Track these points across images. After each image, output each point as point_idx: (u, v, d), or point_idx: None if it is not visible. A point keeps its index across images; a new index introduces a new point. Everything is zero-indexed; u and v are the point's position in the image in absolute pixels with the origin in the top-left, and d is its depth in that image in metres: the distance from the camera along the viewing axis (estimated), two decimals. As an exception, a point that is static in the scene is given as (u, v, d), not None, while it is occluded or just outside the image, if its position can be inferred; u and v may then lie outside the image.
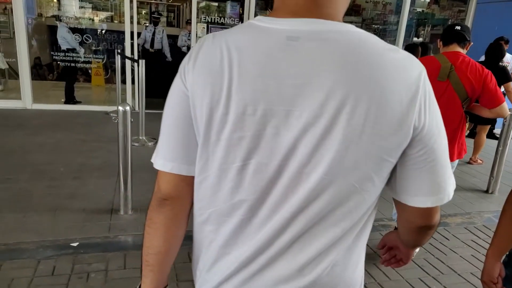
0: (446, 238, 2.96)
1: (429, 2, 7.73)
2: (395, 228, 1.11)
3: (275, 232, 0.66)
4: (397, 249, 0.95)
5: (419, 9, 7.99)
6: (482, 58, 4.55)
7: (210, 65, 0.65)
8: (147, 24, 8.05)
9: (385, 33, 7.76)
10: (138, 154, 4.04)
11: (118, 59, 5.49)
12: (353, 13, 9.69)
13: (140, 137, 4.55)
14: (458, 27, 2.38)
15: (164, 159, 0.72)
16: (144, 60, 4.44)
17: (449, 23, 7.67)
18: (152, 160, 0.74)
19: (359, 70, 0.60)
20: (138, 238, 2.56)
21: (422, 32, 8.39)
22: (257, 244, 0.68)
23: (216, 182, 0.68)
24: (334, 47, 0.61)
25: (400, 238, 0.89)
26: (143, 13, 14.72)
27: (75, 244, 2.41)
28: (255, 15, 6.16)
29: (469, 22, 7.04)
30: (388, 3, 9.34)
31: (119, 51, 5.46)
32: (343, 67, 0.60)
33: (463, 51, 2.35)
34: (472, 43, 2.42)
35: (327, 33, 0.62)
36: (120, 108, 2.64)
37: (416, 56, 4.10)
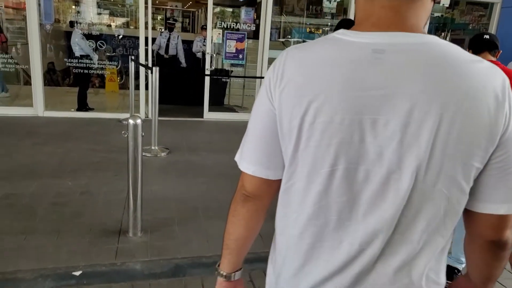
0: None
1: (447, 7, 7.44)
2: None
3: (367, 235, 0.68)
4: None
5: (437, 14, 7.74)
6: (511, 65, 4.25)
7: (297, 78, 0.69)
8: (162, 30, 7.91)
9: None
10: (150, 166, 3.86)
11: (131, 66, 5.33)
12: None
13: (153, 147, 4.34)
14: (487, 36, 2.45)
15: (248, 163, 0.79)
16: (158, 68, 4.24)
17: (470, 27, 7.47)
18: (236, 160, 0.82)
19: (445, 80, 0.61)
20: (147, 266, 2.33)
21: (442, 37, 8.13)
22: (350, 248, 0.70)
23: (305, 187, 0.72)
24: (419, 58, 0.63)
25: (470, 277, 0.83)
26: (158, 18, 14.72)
27: (77, 273, 2.19)
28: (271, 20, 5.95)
29: (493, 27, 6.73)
30: None
31: (133, 57, 5.29)
32: (428, 77, 0.62)
33: (494, 59, 2.32)
34: (501, 51, 2.40)
35: (411, 45, 0.64)
36: (131, 121, 2.42)
37: None
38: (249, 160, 0.79)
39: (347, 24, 3.05)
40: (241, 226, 0.86)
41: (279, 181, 0.79)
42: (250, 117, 0.79)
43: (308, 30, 10.44)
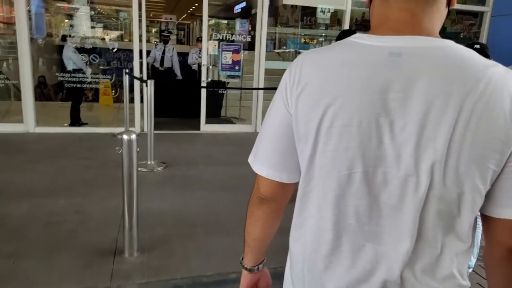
0: None
1: None
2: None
3: (389, 239, 0.68)
4: None
5: None
6: None
7: (314, 82, 0.70)
8: (157, 43, 7.86)
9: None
10: (146, 181, 3.73)
11: (126, 79, 5.24)
12: (363, 28, 9.61)
13: (149, 162, 4.22)
14: (478, 46, 2.59)
15: (262, 165, 0.80)
16: (153, 81, 4.15)
17: (461, 36, 7.52)
18: (249, 161, 0.83)
19: (460, 83, 0.61)
20: (144, 289, 2.19)
21: None
22: (372, 253, 0.70)
23: (323, 191, 0.72)
24: (435, 62, 0.63)
25: None
26: (153, 31, 14.72)
27: (70, 300, 2.05)
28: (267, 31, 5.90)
29: (484, 36, 6.77)
30: None
31: (127, 71, 5.20)
32: (444, 80, 0.62)
33: None
34: (492, 60, 2.37)
35: (427, 49, 0.65)
36: (125, 137, 2.31)
37: None
38: (262, 162, 0.80)
39: (349, 34, 3.05)
40: (258, 227, 0.89)
41: (293, 184, 0.81)
42: (264, 120, 0.81)
43: (303, 40, 10.48)
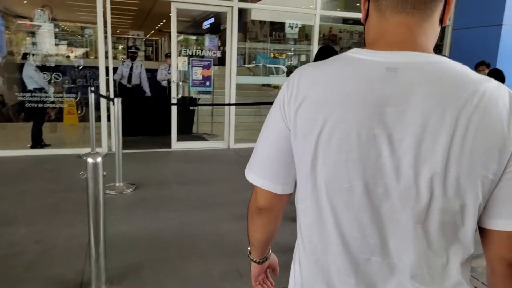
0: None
1: None
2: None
3: (395, 251, 0.69)
4: None
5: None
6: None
7: (312, 96, 0.71)
8: (124, 59, 7.68)
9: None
10: (114, 205, 3.54)
11: (91, 97, 5.03)
12: (330, 43, 9.82)
13: (117, 184, 4.02)
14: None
15: (258, 176, 0.82)
16: (120, 99, 3.99)
17: None
18: (245, 171, 0.85)
19: (456, 97, 0.63)
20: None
21: None
22: (379, 266, 0.70)
23: (326, 205, 0.72)
24: (431, 77, 0.66)
25: None
26: (120, 48, 14.44)
27: None
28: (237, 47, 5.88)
29: (447, 48, 7.06)
30: (361, 32, 9.53)
31: (92, 89, 5.00)
32: (440, 95, 0.64)
33: None
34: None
35: (423, 64, 0.67)
36: (90, 160, 2.16)
37: None
38: (258, 173, 0.82)
39: (329, 50, 3.10)
40: (259, 231, 0.93)
41: (289, 194, 0.84)
42: (261, 132, 0.82)
43: (272, 55, 10.57)
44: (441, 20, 0.72)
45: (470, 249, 0.70)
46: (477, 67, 5.11)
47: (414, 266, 0.68)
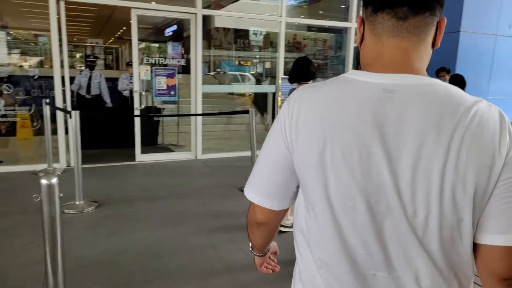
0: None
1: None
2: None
3: (399, 266, 0.71)
4: None
5: (355, 45, 8.28)
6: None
7: (313, 117, 0.74)
8: (82, 69, 7.33)
9: (327, 67, 8.18)
10: (74, 226, 3.28)
11: (46, 110, 4.72)
12: (295, 50, 9.91)
13: (77, 202, 3.75)
14: None
15: (256, 194, 0.86)
16: (77, 112, 3.74)
17: None
18: (244, 190, 0.89)
19: (450, 117, 0.67)
20: None
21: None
22: (385, 282, 0.73)
23: (331, 224, 0.74)
24: (426, 98, 0.69)
25: None
26: (77, 56, 13.85)
27: None
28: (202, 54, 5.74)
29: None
30: (324, 40, 9.72)
31: (47, 101, 4.69)
32: (434, 115, 0.68)
33: None
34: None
35: (418, 86, 0.71)
36: (43, 181, 1.95)
37: None
38: (256, 191, 0.85)
39: (307, 61, 3.16)
40: (259, 239, 0.99)
41: (285, 210, 0.87)
42: (261, 149, 0.86)
43: (237, 62, 10.50)
44: (433, 43, 0.76)
45: (470, 265, 0.72)
46: (437, 73, 5.27)
47: (419, 280, 0.71)
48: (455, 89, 0.71)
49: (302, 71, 3.07)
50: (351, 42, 6.76)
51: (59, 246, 2.04)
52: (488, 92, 6.60)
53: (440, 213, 0.67)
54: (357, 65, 8.08)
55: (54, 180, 1.98)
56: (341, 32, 8.49)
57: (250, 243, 1.04)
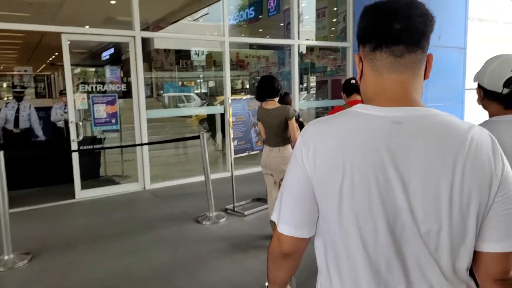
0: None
1: (305, 54, 8.20)
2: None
3: (415, 280, 0.80)
4: None
5: (306, 60, 8.47)
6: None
7: (329, 149, 0.83)
8: (8, 100, 6.65)
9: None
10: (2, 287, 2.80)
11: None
12: (239, 68, 9.89)
13: (6, 257, 3.22)
14: (353, 81, 2.97)
15: (289, 225, 0.90)
16: (1, 152, 3.25)
17: (328, 70, 8.33)
18: (274, 219, 0.94)
19: (450, 146, 0.78)
20: None
21: (307, 78, 8.91)
22: None
23: (353, 245, 0.81)
24: (429, 127, 0.80)
25: None
26: (4, 86, 12.72)
27: None
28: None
29: (349, 69, 7.52)
30: (266, 57, 9.82)
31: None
32: (437, 143, 0.78)
33: (360, 99, 2.60)
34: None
35: (421, 117, 0.81)
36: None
37: (289, 102, 4.40)
38: (287, 222, 0.91)
39: (270, 80, 3.31)
40: (284, 273, 1.01)
41: (312, 236, 0.92)
42: (284, 182, 0.92)
43: (180, 83, 10.21)
44: (424, 75, 0.87)
45: (466, 278, 0.83)
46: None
47: None
48: (452, 118, 0.82)
49: (268, 89, 3.29)
50: (295, 58, 6.79)
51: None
52: (427, 100, 6.95)
53: (449, 228, 0.77)
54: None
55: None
56: (282, 49, 8.59)
57: (268, 282, 1.04)
